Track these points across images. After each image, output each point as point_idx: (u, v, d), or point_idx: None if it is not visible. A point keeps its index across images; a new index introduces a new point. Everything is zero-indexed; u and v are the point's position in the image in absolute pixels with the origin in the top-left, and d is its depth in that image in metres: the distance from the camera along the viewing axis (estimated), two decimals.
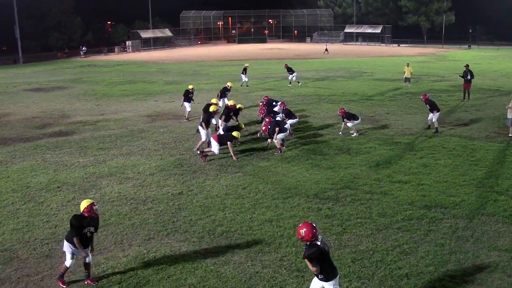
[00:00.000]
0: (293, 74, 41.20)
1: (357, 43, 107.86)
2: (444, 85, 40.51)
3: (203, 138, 21.08)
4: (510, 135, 22.41)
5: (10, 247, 12.73)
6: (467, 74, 33.26)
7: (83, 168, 19.23)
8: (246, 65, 43.62)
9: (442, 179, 16.87)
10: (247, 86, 40.95)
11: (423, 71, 50.55)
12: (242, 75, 41.86)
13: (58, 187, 17.12)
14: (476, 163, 18.74)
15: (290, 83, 41.03)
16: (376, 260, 11.40)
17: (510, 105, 22.23)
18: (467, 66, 34.40)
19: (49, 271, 11.41)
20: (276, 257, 11.68)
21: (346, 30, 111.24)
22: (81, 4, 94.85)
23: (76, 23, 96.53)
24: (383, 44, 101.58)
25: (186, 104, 28.39)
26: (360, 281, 10.59)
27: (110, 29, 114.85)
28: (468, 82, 33.12)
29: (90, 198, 15.68)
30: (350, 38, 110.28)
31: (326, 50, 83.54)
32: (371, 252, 11.78)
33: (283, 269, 11.14)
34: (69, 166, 19.60)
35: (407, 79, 39.81)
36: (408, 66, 40.22)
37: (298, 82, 40.98)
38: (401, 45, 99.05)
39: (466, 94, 33.19)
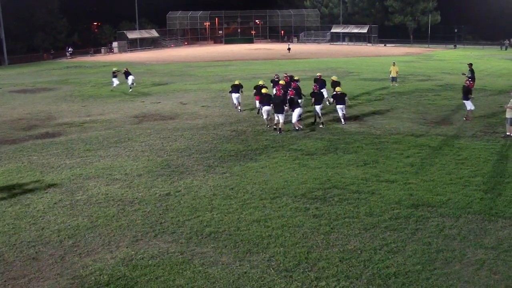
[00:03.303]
0: None
1: (343, 43, 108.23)
2: (430, 85, 40.74)
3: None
4: (507, 133, 22.53)
5: None
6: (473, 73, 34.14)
7: (70, 170, 19.14)
8: (115, 69, 43.47)
9: (429, 178, 16.95)
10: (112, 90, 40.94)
11: (409, 71, 50.83)
12: (113, 79, 41.92)
13: (45, 189, 17.02)
14: (463, 162, 18.85)
15: None
16: (364, 259, 11.43)
17: (509, 105, 22.32)
18: (470, 65, 34.85)
19: (36, 274, 11.34)
20: (264, 257, 11.68)
21: (333, 30, 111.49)
22: (67, 4, 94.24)
23: (62, 24, 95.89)
24: (370, 44, 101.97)
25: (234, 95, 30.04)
26: (348, 280, 10.61)
27: (96, 30, 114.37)
28: (473, 81, 33.25)
29: (77, 200, 15.71)
30: (337, 38, 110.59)
31: (289, 49, 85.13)
32: (359, 252, 11.82)
33: (271, 269, 11.13)
34: (55, 168, 19.50)
35: (393, 79, 39.98)
36: (394, 65, 40.38)
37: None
38: (387, 44, 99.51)
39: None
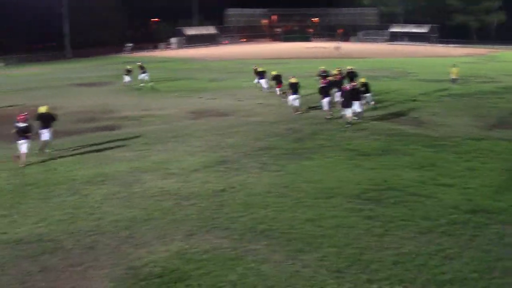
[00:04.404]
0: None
1: (402, 42, 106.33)
2: (492, 87, 39.56)
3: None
4: None
5: (55, 237, 13.03)
6: None
7: (128, 163, 19.52)
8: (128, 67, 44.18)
9: (489, 184, 16.51)
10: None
11: (470, 72, 49.46)
12: (125, 76, 43.02)
13: (103, 181, 17.42)
14: None
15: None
16: (419, 264, 11.23)
17: None
18: None
19: (92, 262, 11.63)
20: (317, 256, 11.63)
21: (392, 30, 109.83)
22: (127, 1, 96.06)
23: (122, 19, 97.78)
24: (430, 44, 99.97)
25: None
26: (402, 284, 10.45)
27: (155, 26, 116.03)
28: None
29: (134, 192, 16.01)
30: (395, 37, 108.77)
31: (338, 47, 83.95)
32: (414, 256, 11.61)
33: (323, 269, 11.07)
34: (113, 160, 19.93)
35: (453, 80, 39.14)
36: (454, 66, 39.54)
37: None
38: (448, 45, 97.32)
39: None
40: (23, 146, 19.67)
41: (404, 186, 16.27)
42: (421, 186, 16.27)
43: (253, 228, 13.29)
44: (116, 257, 11.85)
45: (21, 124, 20.00)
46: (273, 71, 36.26)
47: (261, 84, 37.07)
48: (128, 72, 43.49)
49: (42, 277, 11.06)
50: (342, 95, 26.43)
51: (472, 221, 13.48)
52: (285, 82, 32.26)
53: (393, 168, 18.22)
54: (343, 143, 21.93)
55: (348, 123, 25.03)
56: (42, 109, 22.15)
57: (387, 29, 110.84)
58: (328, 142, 22.00)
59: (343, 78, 31.82)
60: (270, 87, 36.29)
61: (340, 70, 33.41)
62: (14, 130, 20.27)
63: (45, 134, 21.24)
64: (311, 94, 31.58)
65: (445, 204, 14.70)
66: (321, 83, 28.67)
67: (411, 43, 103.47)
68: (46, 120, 21.56)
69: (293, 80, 28.84)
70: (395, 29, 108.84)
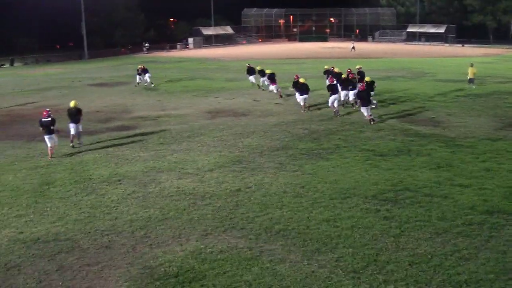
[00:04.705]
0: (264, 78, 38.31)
1: (419, 42, 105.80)
2: (509, 87, 39.15)
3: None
4: None
5: (72, 236, 13.15)
6: None
7: (144, 162, 19.62)
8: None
9: (506, 184, 16.37)
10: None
11: (488, 72, 49.08)
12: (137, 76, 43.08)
13: (119, 180, 17.53)
14: None
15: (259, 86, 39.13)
16: (435, 265, 11.18)
17: None
18: None
19: (108, 262, 11.71)
20: (333, 257, 11.61)
21: (409, 30, 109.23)
22: (144, 1, 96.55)
23: (140, 20, 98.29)
24: (447, 44, 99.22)
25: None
26: (418, 285, 10.41)
27: (172, 26, 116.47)
28: None
29: (149, 192, 16.08)
30: (412, 37, 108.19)
31: (352, 47, 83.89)
32: (430, 256, 11.56)
33: (339, 269, 11.06)
34: (130, 160, 20.03)
35: (471, 80, 38.80)
36: (472, 66, 39.18)
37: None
38: (465, 45, 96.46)
39: None
40: (50, 140, 20.86)
41: (420, 187, 16.20)
42: (437, 187, 16.19)
43: (269, 228, 13.30)
44: (132, 256, 11.93)
45: (45, 119, 21.01)
46: (268, 69, 37.11)
47: (263, 82, 37.92)
48: (139, 72, 43.81)
49: (59, 276, 11.15)
50: (357, 95, 26.77)
51: (488, 222, 13.39)
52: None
53: (409, 169, 18.14)
54: (359, 143, 21.87)
55: (372, 120, 25.81)
56: (72, 104, 23.33)
57: (404, 29, 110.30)
58: (344, 143, 21.96)
59: (354, 77, 31.91)
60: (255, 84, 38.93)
61: (350, 70, 33.56)
62: (39, 126, 21.20)
63: (74, 128, 22.50)
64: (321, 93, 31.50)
65: (461, 205, 14.61)
66: (328, 82, 29.65)
67: (428, 43, 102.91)
68: (75, 114, 22.75)
69: (302, 81, 29.43)
70: (412, 29, 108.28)
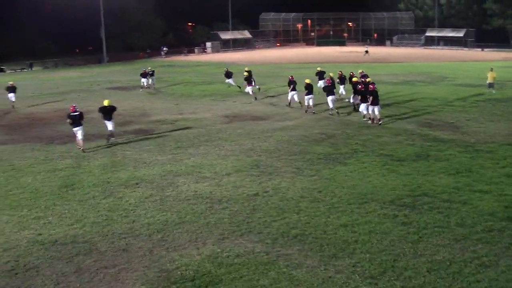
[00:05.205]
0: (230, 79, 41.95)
1: (438, 47, 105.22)
2: None
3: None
4: None
5: (90, 239, 13.21)
6: None
7: (161, 166, 19.68)
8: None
9: None
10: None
11: (508, 77, 48.56)
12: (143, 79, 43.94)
13: (137, 184, 17.59)
14: None
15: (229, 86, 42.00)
16: (453, 272, 11.05)
17: None
18: None
19: (125, 265, 11.74)
20: (350, 262, 11.54)
21: (427, 34, 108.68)
22: (162, 5, 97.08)
23: (158, 24, 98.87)
24: (466, 48, 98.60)
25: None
26: None
27: (190, 30, 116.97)
28: None
29: (167, 196, 16.12)
30: (431, 42, 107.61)
31: (367, 52, 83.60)
32: (448, 263, 11.44)
33: (356, 275, 10.98)
34: (147, 164, 20.11)
35: (490, 85, 38.47)
36: (491, 71, 38.85)
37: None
38: (485, 49, 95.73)
39: None
40: (78, 132, 22.60)
41: (439, 192, 16.05)
42: (456, 192, 16.03)
43: (286, 233, 13.25)
44: (149, 260, 11.95)
45: (73, 114, 22.85)
46: (246, 72, 38.37)
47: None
48: (150, 74, 44.80)
49: (76, 278, 11.20)
50: (369, 96, 27.19)
51: (509, 229, 13.22)
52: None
53: (428, 174, 18.00)
54: (377, 148, 21.75)
55: (379, 119, 26.53)
56: (106, 103, 24.63)
57: (422, 33, 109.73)
58: (362, 147, 21.86)
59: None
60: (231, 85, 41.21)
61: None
62: (68, 120, 22.95)
63: (109, 125, 24.13)
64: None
65: (481, 211, 14.45)
66: (326, 82, 31.75)
67: (447, 47, 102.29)
68: (109, 112, 24.20)
69: (307, 81, 30.46)
70: (431, 33, 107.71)
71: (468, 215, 14.15)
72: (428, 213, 14.39)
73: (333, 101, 29.64)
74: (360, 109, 28.26)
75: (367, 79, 30.81)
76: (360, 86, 28.76)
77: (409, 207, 14.85)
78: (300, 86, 31.27)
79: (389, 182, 17.21)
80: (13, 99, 36.35)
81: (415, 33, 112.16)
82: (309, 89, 30.14)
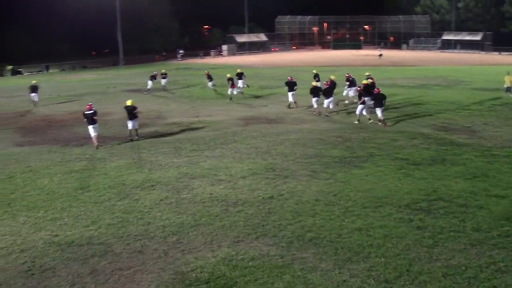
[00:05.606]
0: (212, 82, 43.18)
1: (455, 50, 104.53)
2: None
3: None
4: None
5: (105, 240, 13.29)
6: None
7: (177, 168, 19.74)
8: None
9: None
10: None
11: None
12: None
13: (152, 186, 17.67)
14: None
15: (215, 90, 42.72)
16: (469, 277, 10.99)
17: None
18: None
19: (140, 266, 11.81)
20: (365, 266, 11.52)
21: (444, 37, 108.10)
22: (178, 8, 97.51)
23: (174, 27, 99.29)
24: (483, 52, 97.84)
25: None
26: None
27: (206, 33, 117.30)
28: None
29: (182, 198, 16.17)
30: (448, 45, 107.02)
31: (380, 55, 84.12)
32: (464, 268, 11.38)
33: (371, 279, 10.96)
34: (163, 166, 20.18)
35: (508, 89, 38.16)
36: (508, 75, 38.52)
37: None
38: (502, 53, 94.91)
39: None
40: (93, 130, 23.87)
41: (455, 197, 15.95)
42: (472, 197, 15.92)
43: (301, 236, 13.25)
44: (164, 262, 12.01)
45: (89, 112, 24.07)
46: (228, 74, 40.29)
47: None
48: (163, 76, 45.84)
49: (92, 280, 11.29)
50: (372, 98, 27.96)
51: None
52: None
53: (443, 178, 17.90)
54: (393, 152, 21.67)
55: (380, 120, 27.23)
56: (128, 102, 25.80)
57: (439, 37, 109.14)
58: (378, 151, 21.78)
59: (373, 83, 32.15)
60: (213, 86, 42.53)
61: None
62: (84, 118, 24.30)
63: (132, 124, 25.22)
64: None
65: (497, 216, 14.35)
66: (324, 85, 32.14)
67: (463, 51, 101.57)
68: (132, 111, 25.16)
69: (314, 84, 32.11)
70: (448, 36, 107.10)
71: (484, 220, 14.06)
72: (444, 217, 14.32)
73: (330, 103, 30.60)
74: (357, 112, 28.56)
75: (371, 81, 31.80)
76: (376, 90, 28.50)
77: (424, 211, 14.78)
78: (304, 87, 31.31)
79: (405, 186, 17.14)
80: (36, 98, 38.01)
81: (431, 36, 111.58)
82: (315, 91, 30.91)
